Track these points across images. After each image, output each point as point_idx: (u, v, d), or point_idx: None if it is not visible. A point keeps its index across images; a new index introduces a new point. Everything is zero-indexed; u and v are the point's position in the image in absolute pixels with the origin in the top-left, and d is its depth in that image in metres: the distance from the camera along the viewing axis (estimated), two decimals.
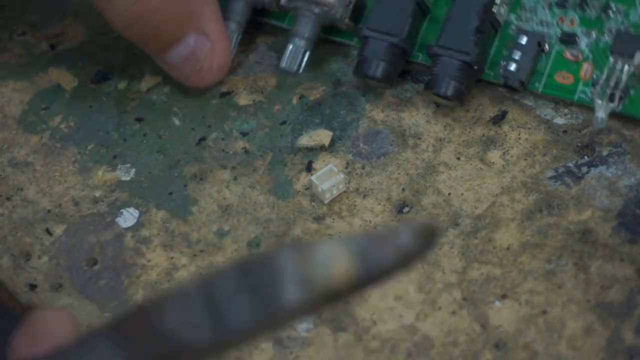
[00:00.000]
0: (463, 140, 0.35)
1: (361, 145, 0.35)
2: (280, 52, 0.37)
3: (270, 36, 0.38)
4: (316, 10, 0.36)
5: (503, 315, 0.32)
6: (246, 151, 0.36)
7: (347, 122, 0.36)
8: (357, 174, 0.35)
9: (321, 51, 0.37)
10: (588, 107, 0.35)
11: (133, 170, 0.36)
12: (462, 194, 0.34)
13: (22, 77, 0.39)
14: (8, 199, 0.36)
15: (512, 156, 0.35)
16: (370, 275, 0.20)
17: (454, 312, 0.32)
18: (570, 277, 0.32)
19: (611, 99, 0.34)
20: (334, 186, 0.34)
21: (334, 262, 0.19)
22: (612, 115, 0.34)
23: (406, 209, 0.34)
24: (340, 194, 0.34)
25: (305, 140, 0.36)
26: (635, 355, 0.30)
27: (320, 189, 0.34)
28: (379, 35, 0.35)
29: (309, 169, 0.35)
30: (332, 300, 0.20)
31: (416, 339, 0.32)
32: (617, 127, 0.35)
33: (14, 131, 0.37)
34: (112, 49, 0.39)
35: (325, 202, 0.34)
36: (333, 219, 0.34)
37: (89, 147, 0.37)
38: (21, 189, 0.36)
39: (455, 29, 0.35)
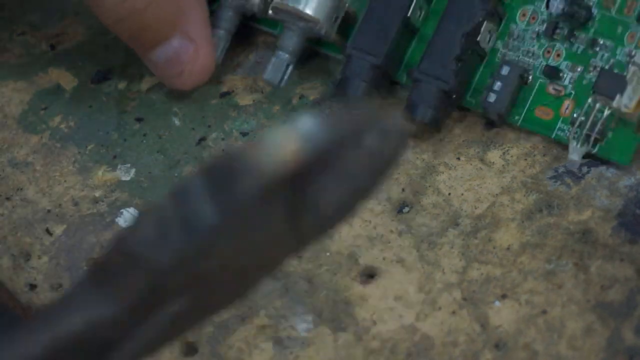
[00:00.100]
0: (463, 140, 0.35)
1: None
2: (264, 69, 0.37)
3: (270, 36, 0.38)
4: (301, 24, 0.36)
5: (503, 315, 0.32)
6: None
7: None
8: None
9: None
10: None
11: (133, 170, 0.36)
12: (462, 194, 0.34)
13: (22, 77, 0.39)
14: (8, 199, 0.36)
15: (512, 156, 0.35)
16: (317, 149, 0.21)
17: (454, 312, 0.32)
18: (570, 277, 0.32)
19: (587, 140, 0.33)
20: None
21: (286, 144, 0.21)
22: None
23: (406, 209, 0.34)
24: None
25: None
26: (635, 355, 0.30)
27: None
28: (361, 54, 0.35)
29: None
30: (287, 182, 0.21)
31: (416, 339, 0.32)
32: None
33: (14, 131, 0.37)
34: (112, 49, 0.39)
35: None
36: None
37: (89, 147, 0.37)
38: (21, 189, 0.36)
39: (437, 55, 0.34)
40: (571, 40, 0.34)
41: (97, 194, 0.36)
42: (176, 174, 0.36)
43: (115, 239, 0.22)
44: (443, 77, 0.34)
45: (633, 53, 0.34)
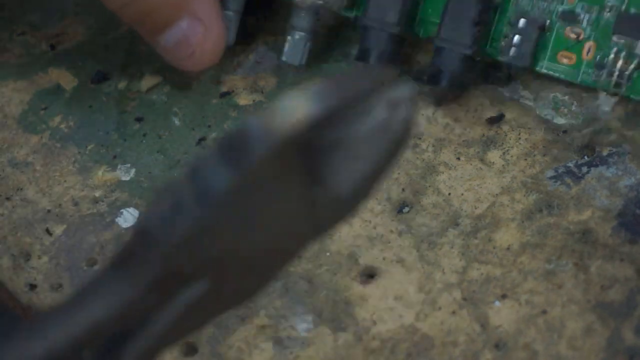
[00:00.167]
0: (463, 140, 0.35)
1: None
2: (280, 52, 0.37)
3: (271, 36, 0.38)
4: (308, 4, 0.36)
5: (503, 315, 0.32)
6: None
7: None
8: None
9: (321, 51, 0.37)
10: (591, 98, 0.35)
11: (133, 170, 0.36)
12: (462, 194, 0.34)
13: (22, 77, 0.39)
14: (8, 199, 0.36)
15: (512, 156, 0.35)
16: (328, 111, 0.21)
17: (454, 312, 0.32)
18: (570, 277, 0.32)
19: (617, 84, 0.33)
20: None
21: (295, 108, 0.21)
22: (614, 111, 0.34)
23: (406, 209, 0.34)
24: None
25: None
26: (635, 355, 0.30)
27: None
28: (377, 25, 0.35)
29: None
30: (297, 145, 0.21)
31: (416, 339, 0.32)
32: (617, 127, 0.35)
33: (14, 131, 0.37)
34: (112, 49, 0.39)
35: None
36: None
37: (89, 147, 0.37)
38: (21, 189, 0.36)
39: (455, 21, 0.35)
40: None
41: (97, 194, 0.36)
42: (176, 174, 0.36)
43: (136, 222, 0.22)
44: (464, 42, 0.35)
45: None
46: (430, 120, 0.36)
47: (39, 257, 0.35)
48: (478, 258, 0.33)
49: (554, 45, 0.35)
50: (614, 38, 0.34)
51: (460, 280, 0.32)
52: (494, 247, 0.33)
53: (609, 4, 0.34)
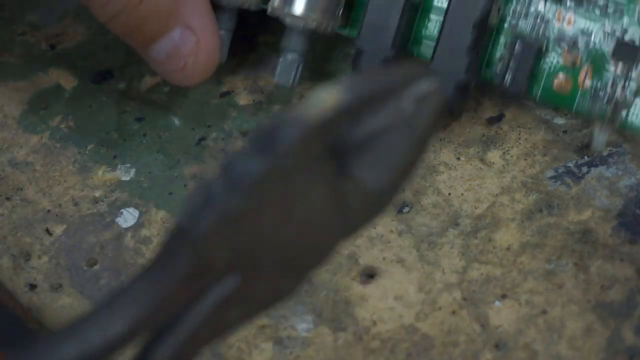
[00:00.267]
0: (463, 140, 0.35)
1: None
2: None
3: (271, 36, 0.38)
4: (301, 25, 0.35)
5: (503, 315, 0.32)
6: None
7: None
8: None
9: (320, 51, 0.37)
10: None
11: (133, 170, 0.36)
12: (462, 194, 0.34)
13: (22, 77, 0.39)
14: (8, 199, 0.36)
15: (512, 156, 0.35)
16: (357, 101, 0.22)
17: (454, 312, 0.32)
18: (570, 277, 0.32)
19: (612, 116, 0.33)
20: None
21: (325, 98, 0.22)
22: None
23: (406, 209, 0.34)
24: None
25: None
26: (635, 355, 0.30)
27: None
28: (371, 49, 0.35)
29: None
30: (327, 131, 0.22)
31: (416, 339, 0.32)
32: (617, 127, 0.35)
33: (13, 131, 0.37)
34: (112, 49, 0.39)
35: None
36: None
37: (89, 147, 0.37)
38: (21, 189, 0.36)
39: (449, 50, 0.34)
40: (582, 1, 0.33)
41: (97, 194, 0.36)
42: (176, 174, 0.36)
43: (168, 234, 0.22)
44: (458, 71, 0.34)
45: None
46: None
47: (39, 257, 0.35)
48: (478, 258, 0.33)
49: (549, 72, 0.34)
50: (611, 63, 0.33)
51: (460, 280, 0.32)
52: (494, 247, 0.33)
53: (607, 29, 0.33)
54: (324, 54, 0.38)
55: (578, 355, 0.31)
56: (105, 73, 0.38)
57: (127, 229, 0.35)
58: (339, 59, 0.38)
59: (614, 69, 0.33)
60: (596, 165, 0.34)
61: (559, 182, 0.34)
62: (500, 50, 0.35)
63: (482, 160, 0.35)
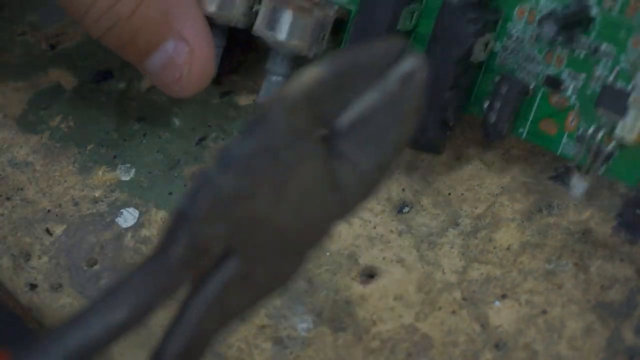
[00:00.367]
0: (463, 140, 0.35)
1: None
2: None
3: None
4: (284, 50, 0.35)
5: (503, 315, 0.32)
6: None
7: None
8: None
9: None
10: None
11: (133, 170, 0.36)
12: (462, 194, 0.34)
13: (22, 77, 0.39)
14: (8, 199, 0.36)
15: (512, 156, 0.35)
16: (337, 73, 0.23)
17: (454, 312, 0.32)
18: (570, 277, 0.32)
19: (592, 164, 0.31)
20: None
21: (307, 74, 0.22)
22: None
23: (406, 209, 0.34)
24: None
25: None
26: (635, 355, 0.30)
27: None
28: None
29: None
30: (312, 104, 0.22)
31: (416, 339, 0.32)
32: None
33: (14, 131, 0.37)
34: None
35: None
36: None
37: (89, 147, 0.37)
38: (21, 189, 0.36)
39: (430, 85, 0.33)
40: (572, 46, 0.32)
41: (97, 194, 0.36)
42: (176, 174, 0.36)
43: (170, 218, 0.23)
44: (438, 107, 0.33)
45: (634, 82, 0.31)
46: None
47: (39, 257, 0.35)
48: (478, 258, 0.33)
49: (536, 112, 0.32)
50: (598, 111, 0.30)
51: (460, 280, 0.32)
52: (494, 247, 0.33)
53: (597, 73, 0.31)
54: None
55: (578, 355, 0.31)
56: (105, 73, 0.38)
57: (127, 229, 0.35)
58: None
59: (599, 116, 0.31)
60: None
61: (559, 182, 0.34)
62: (488, 87, 0.33)
63: (482, 160, 0.35)
